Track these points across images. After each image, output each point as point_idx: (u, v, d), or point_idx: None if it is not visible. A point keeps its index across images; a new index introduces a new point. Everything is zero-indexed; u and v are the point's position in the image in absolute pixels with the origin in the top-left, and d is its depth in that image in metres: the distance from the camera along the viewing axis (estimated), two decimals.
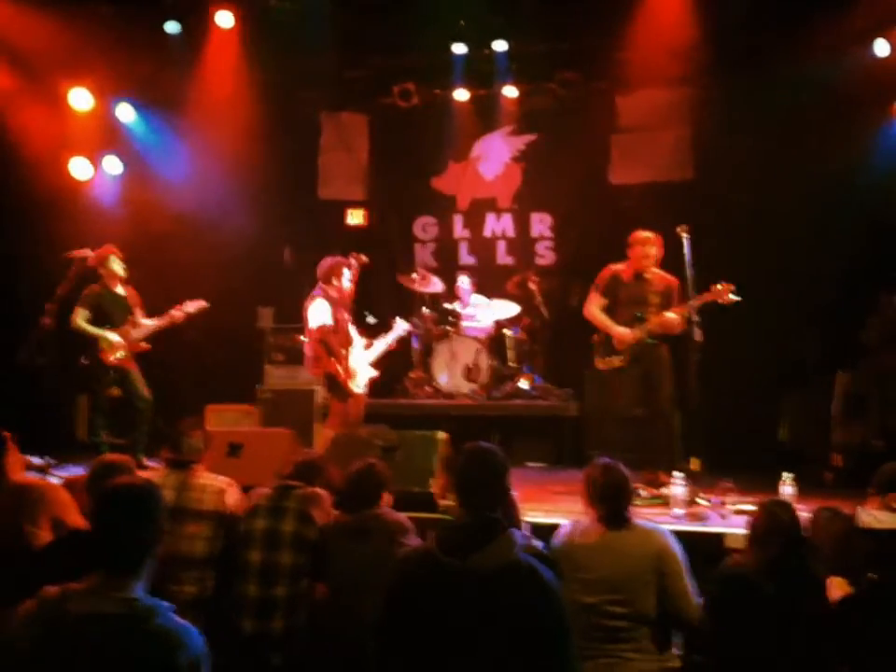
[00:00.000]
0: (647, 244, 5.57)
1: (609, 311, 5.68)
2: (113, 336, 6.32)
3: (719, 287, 5.24)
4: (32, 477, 3.90)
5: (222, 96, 7.91)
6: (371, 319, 8.07)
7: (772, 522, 3.15)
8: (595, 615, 3.12)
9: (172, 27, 7.77)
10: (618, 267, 5.69)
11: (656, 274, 5.63)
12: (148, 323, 6.52)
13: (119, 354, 6.32)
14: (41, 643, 2.08)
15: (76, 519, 3.50)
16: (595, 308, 5.71)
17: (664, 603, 3.16)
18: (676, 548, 3.26)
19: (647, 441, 5.51)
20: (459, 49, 8.19)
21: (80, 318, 6.35)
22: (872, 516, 3.42)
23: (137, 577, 2.18)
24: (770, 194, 7.37)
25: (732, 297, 5.21)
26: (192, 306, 6.49)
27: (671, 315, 5.40)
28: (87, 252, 6.29)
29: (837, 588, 3.20)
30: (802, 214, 7.12)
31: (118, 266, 6.51)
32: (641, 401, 5.53)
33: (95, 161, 8.26)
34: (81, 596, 2.13)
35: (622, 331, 5.53)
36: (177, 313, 6.45)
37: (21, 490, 3.45)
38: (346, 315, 5.94)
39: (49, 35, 7.05)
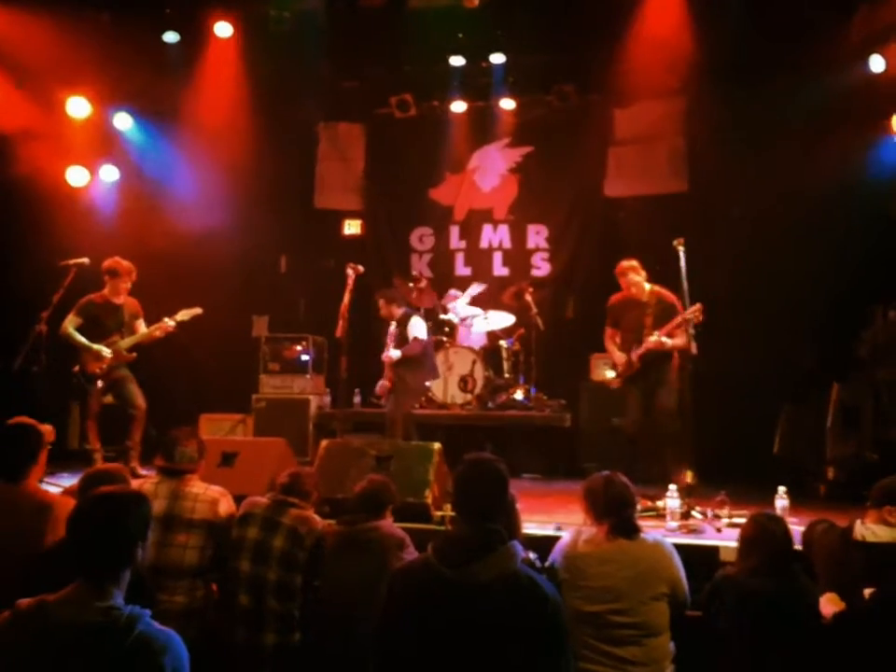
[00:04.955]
0: (629, 272, 5.72)
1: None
2: (98, 347, 6.26)
3: (689, 309, 5.27)
4: (51, 492, 3.75)
5: (219, 105, 7.90)
6: None
7: (760, 533, 3.16)
8: (598, 624, 3.11)
9: (170, 37, 7.76)
10: (616, 296, 5.89)
11: (652, 294, 5.72)
12: (137, 334, 6.40)
13: (104, 365, 6.28)
14: (21, 655, 2.04)
15: None
16: (607, 339, 6.02)
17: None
18: (678, 559, 3.28)
19: (643, 454, 5.55)
20: (457, 61, 8.21)
21: (70, 325, 6.30)
22: (869, 530, 3.41)
23: (116, 584, 2.16)
24: (764, 206, 7.38)
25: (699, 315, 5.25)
26: (185, 314, 6.37)
27: (653, 339, 5.54)
28: (83, 260, 6.26)
29: (829, 603, 3.19)
30: (796, 226, 7.13)
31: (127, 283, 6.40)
32: (643, 416, 5.70)
33: (92, 169, 8.26)
34: (59, 607, 2.09)
35: (617, 356, 5.87)
36: (169, 322, 6.32)
37: (48, 506, 3.33)
38: None
39: (47, 44, 7.02)
